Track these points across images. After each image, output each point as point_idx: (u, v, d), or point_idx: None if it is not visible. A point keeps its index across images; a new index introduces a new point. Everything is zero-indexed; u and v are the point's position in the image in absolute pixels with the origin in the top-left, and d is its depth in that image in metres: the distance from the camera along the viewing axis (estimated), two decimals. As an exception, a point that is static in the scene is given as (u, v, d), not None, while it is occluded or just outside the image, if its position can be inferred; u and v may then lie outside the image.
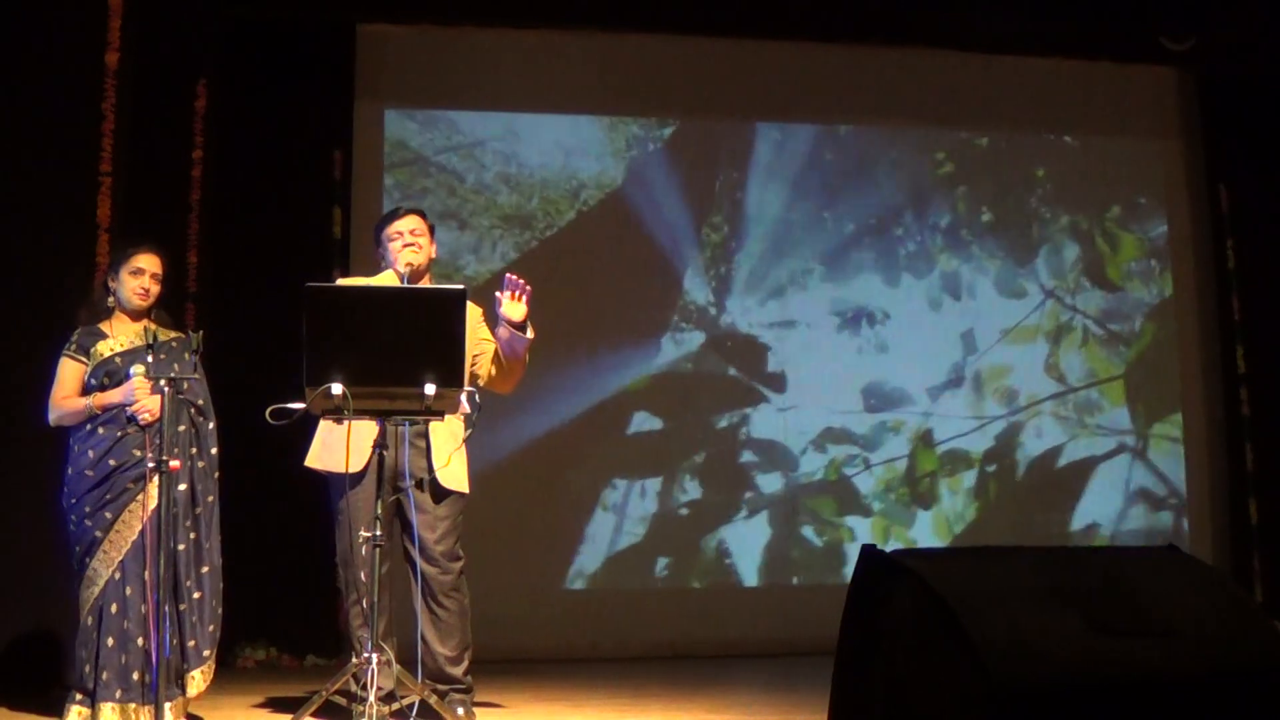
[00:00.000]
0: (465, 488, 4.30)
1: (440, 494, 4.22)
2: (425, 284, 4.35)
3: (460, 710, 4.15)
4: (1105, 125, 7.30)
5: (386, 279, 4.32)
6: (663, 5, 6.68)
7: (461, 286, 4.17)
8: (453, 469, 4.23)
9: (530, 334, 4.22)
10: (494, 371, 4.36)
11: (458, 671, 4.24)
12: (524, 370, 4.39)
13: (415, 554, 4.18)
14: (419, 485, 4.20)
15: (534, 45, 6.80)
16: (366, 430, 4.07)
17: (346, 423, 3.80)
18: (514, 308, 4.17)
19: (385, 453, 3.88)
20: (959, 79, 7.12)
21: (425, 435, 4.20)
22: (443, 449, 4.21)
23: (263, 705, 4.79)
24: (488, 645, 4.38)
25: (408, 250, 4.29)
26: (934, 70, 7.09)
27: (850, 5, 6.83)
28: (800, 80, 7.03)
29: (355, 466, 4.07)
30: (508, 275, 4.23)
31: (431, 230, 4.44)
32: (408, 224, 4.35)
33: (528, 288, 4.18)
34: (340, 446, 3.96)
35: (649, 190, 6.88)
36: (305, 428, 4.09)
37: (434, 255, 4.45)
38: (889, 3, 6.83)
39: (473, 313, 4.39)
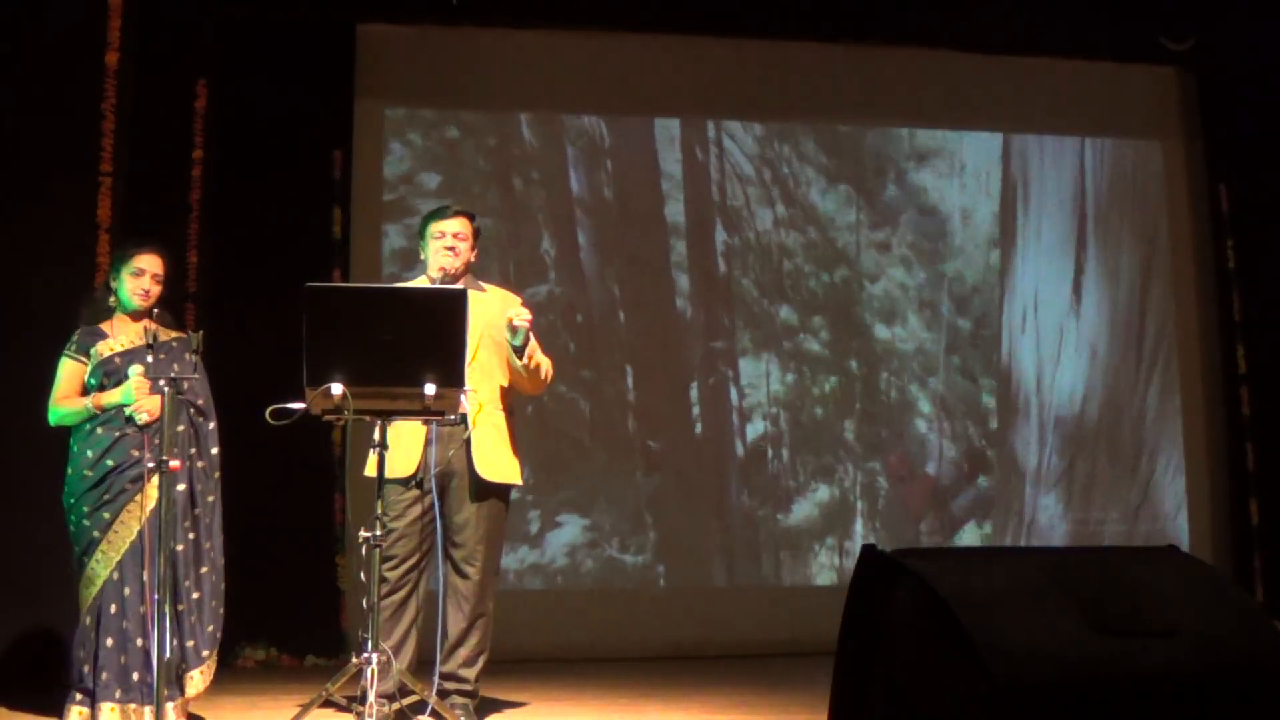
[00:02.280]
0: (515, 479, 4.31)
1: (482, 491, 4.22)
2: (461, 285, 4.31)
3: (460, 714, 4.15)
4: (1105, 125, 7.30)
5: (420, 285, 4.32)
6: (663, 5, 6.69)
7: (462, 287, 4.18)
8: (497, 462, 4.24)
9: (525, 360, 4.23)
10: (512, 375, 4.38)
11: (469, 674, 4.25)
12: (540, 383, 4.41)
13: (452, 551, 4.21)
14: (460, 483, 4.21)
15: (534, 45, 6.79)
16: (414, 433, 4.10)
17: (384, 427, 3.83)
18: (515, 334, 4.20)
19: (387, 453, 3.89)
20: (959, 79, 7.12)
21: (466, 432, 4.19)
22: (484, 443, 4.21)
23: (263, 705, 4.79)
24: (490, 645, 4.38)
25: (445, 254, 4.28)
26: (934, 70, 7.09)
27: (850, 5, 6.83)
28: (800, 80, 7.02)
29: (406, 471, 4.10)
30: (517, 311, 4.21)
31: (476, 234, 4.43)
32: (452, 226, 4.34)
33: (526, 320, 4.18)
34: (394, 452, 3.99)
35: (649, 189, 6.88)
36: (309, 428, 4.09)
37: (474, 259, 4.43)
38: (889, 3, 6.83)
39: (509, 303, 4.39)
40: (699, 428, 6.72)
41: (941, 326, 7.04)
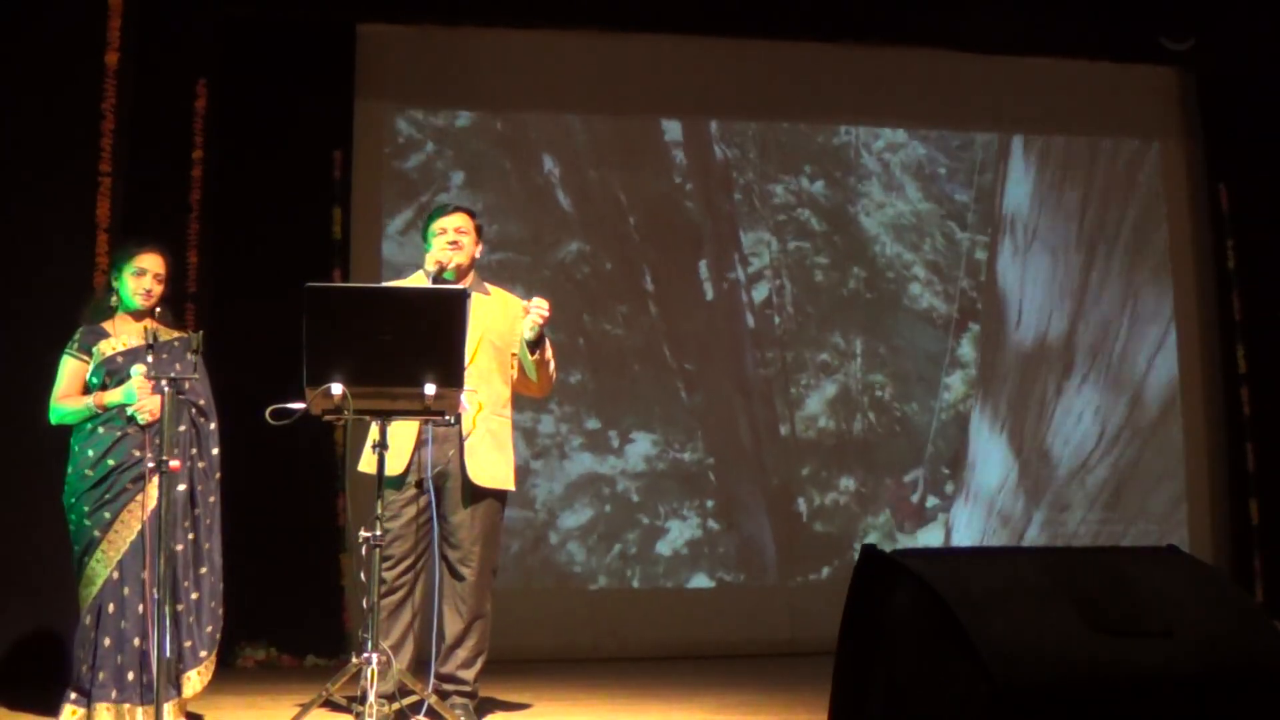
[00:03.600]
0: (507, 485, 4.31)
1: (474, 494, 4.22)
2: (466, 284, 4.31)
3: (460, 714, 4.15)
4: (1105, 125, 7.30)
5: (416, 280, 4.32)
6: (663, 5, 6.69)
7: (462, 287, 4.18)
8: (489, 467, 4.24)
9: (538, 354, 4.25)
10: (515, 373, 4.37)
11: (468, 675, 4.25)
12: (547, 381, 4.42)
13: (449, 552, 4.22)
14: (454, 484, 4.21)
15: (534, 45, 6.80)
16: (406, 432, 4.10)
17: (384, 427, 3.83)
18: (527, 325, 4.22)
19: (385, 452, 3.89)
20: (959, 79, 7.12)
21: (460, 434, 4.19)
22: (478, 447, 4.21)
23: (263, 705, 4.79)
24: (489, 645, 4.38)
25: (446, 249, 4.28)
26: (934, 70, 7.09)
27: (850, 5, 6.83)
28: (800, 80, 7.03)
29: (397, 469, 4.11)
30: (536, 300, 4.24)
31: (479, 230, 4.43)
32: (452, 221, 4.34)
33: (543, 314, 4.19)
34: (388, 449, 3.98)
35: (651, 190, 6.89)
36: (310, 428, 4.09)
37: (478, 255, 4.44)
38: (889, 3, 6.83)
39: (514, 306, 4.39)
40: (709, 293, 6.89)
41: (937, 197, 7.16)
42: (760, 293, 6.93)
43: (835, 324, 6.97)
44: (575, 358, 6.62)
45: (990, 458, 7.02)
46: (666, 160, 6.94)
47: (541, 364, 4.29)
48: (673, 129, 6.96)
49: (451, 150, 6.75)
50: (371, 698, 3.69)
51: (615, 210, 6.86)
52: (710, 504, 6.74)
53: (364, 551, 3.81)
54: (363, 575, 3.84)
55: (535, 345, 4.24)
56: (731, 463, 6.79)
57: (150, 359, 4.07)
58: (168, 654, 3.92)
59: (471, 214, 4.43)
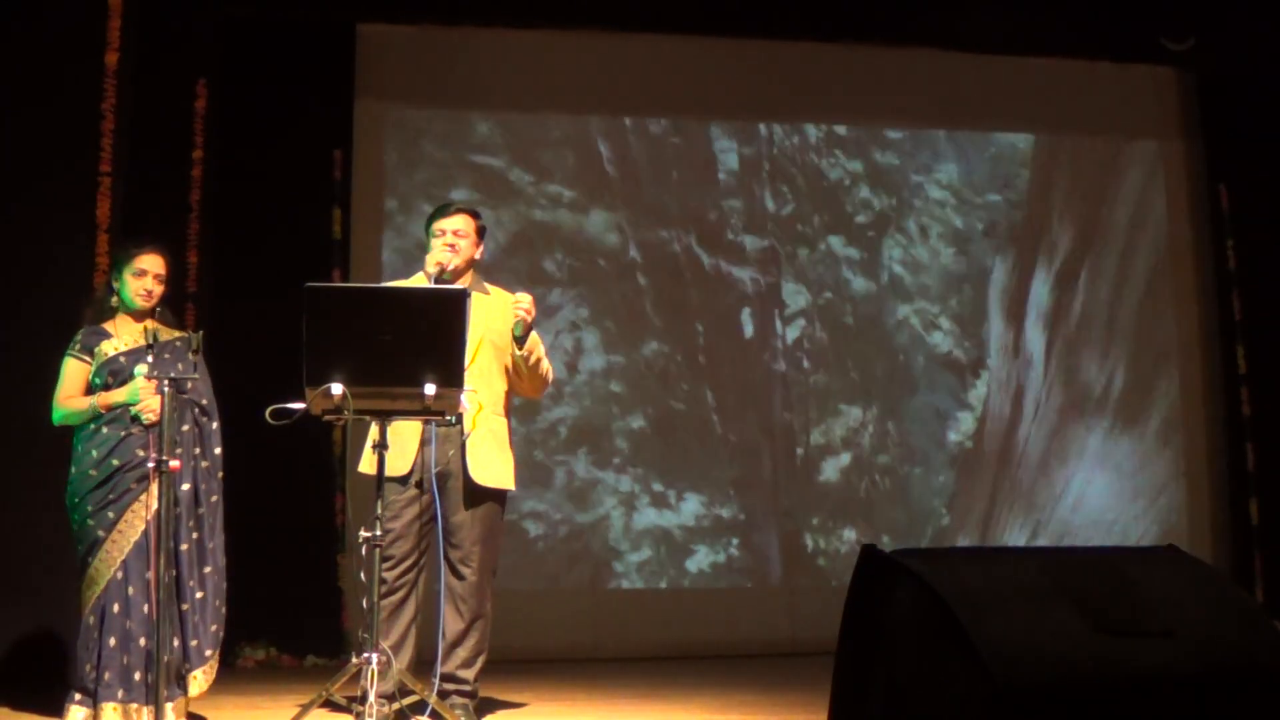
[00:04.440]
0: (507, 484, 4.31)
1: (476, 493, 4.22)
2: (466, 284, 4.31)
3: (460, 714, 4.15)
4: (1105, 125, 7.30)
5: (417, 281, 4.32)
6: (663, 5, 6.69)
7: (462, 287, 4.18)
8: (490, 466, 4.24)
9: (525, 350, 4.25)
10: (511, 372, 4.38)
11: (468, 674, 4.24)
12: (540, 381, 4.41)
13: (449, 552, 4.22)
14: (455, 484, 4.21)
15: (534, 45, 6.80)
16: (410, 432, 4.10)
17: (384, 427, 3.83)
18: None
19: (385, 453, 3.89)
20: (959, 79, 7.12)
21: (462, 433, 4.19)
22: (479, 447, 4.21)
23: (263, 705, 4.79)
24: (489, 645, 4.38)
25: (444, 250, 4.27)
26: (934, 70, 7.09)
27: (850, 5, 6.83)
28: (800, 80, 7.03)
29: (401, 469, 4.11)
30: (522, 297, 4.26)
31: (480, 231, 4.41)
32: (452, 223, 4.33)
33: (525, 309, 4.21)
34: (390, 451, 3.96)
35: (651, 191, 6.88)
36: (309, 428, 4.09)
37: (478, 257, 4.42)
38: (889, 3, 6.84)
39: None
40: (748, 333, 6.93)
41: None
42: (792, 333, 6.93)
43: (861, 370, 6.97)
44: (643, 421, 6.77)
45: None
46: (712, 207, 6.94)
47: (530, 363, 4.29)
48: (730, 201, 6.94)
49: (451, 150, 6.74)
50: (371, 698, 3.69)
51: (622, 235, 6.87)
52: (735, 541, 6.76)
53: (364, 551, 3.80)
54: (363, 575, 3.83)
55: (522, 341, 4.24)
56: (753, 497, 6.80)
57: (150, 359, 4.06)
58: (170, 653, 3.92)
59: (473, 214, 4.42)
